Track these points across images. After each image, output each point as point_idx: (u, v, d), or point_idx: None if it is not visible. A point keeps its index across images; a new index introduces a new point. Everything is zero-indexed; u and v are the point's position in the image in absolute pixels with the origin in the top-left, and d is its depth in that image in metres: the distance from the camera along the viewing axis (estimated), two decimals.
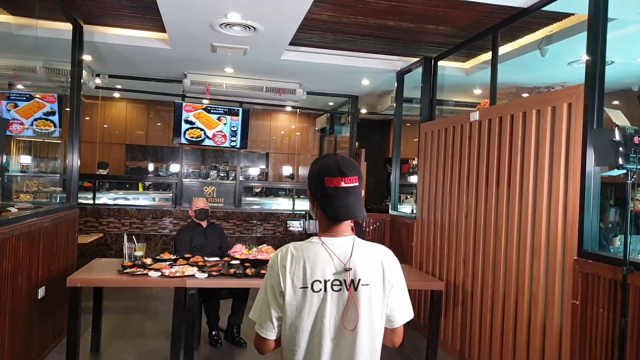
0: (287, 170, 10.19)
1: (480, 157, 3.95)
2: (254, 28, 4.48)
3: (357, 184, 1.48)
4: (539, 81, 6.21)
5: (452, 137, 4.42)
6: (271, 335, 1.49)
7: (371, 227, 5.79)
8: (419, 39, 4.91)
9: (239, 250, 4.09)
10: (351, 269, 1.46)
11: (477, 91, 6.59)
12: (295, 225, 4.58)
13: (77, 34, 4.58)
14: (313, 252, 1.47)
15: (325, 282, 1.44)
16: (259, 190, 9.34)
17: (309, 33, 4.95)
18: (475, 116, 4.04)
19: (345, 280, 1.45)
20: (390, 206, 5.94)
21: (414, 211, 5.39)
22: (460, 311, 4.16)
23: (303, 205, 8.02)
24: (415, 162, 7.10)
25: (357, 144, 9.79)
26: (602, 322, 2.67)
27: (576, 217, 2.88)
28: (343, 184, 1.46)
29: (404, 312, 1.55)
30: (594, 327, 2.74)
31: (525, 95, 6.37)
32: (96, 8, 4.46)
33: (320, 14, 4.35)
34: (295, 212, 6.95)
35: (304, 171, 10.53)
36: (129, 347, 4.16)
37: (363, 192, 1.53)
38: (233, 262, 3.88)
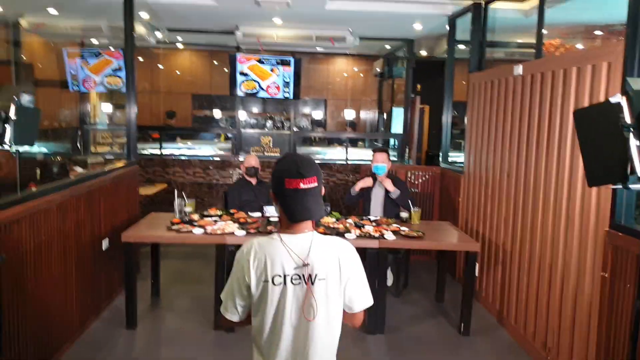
0: (349, 114, 10.09)
1: (522, 115, 3.76)
2: None
3: (315, 184, 1.55)
4: (615, 17, 5.61)
5: (498, 91, 4.22)
6: (234, 318, 1.67)
7: (420, 180, 5.75)
8: None
9: None
10: (309, 264, 1.56)
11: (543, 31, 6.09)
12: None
13: None
14: (273, 248, 1.58)
15: (285, 276, 1.56)
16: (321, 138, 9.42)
17: None
18: (518, 70, 3.81)
19: (304, 275, 1.56)
20: (440, 157, 5.82)
21: None
22: (500, 269, 4.14)
23: (359, 154, 8.02)
24: None
25: (418, 87, 9.50)
26: (629, 298, 2.59)
27: (610, 187, 2.73)
28: (302, 185, 1.53)
29: (362, 301, 1.67)
30: (620, 302, 2.66)
31: (598, 32, 5.83)
32: None
33: None
34: (349, 162, 7.00)
35: (365, 115, 10.44)
36: (184, 292, 4.61)
37: (323, 190, 1.62)
38: (273, 219, 4.09)
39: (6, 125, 2.39)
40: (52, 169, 5.97)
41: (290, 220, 1.59)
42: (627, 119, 1.34)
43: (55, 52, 7.27)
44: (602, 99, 2.82)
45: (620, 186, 1.40)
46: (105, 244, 4.13)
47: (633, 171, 1.35)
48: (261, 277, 1.57)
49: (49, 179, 4.77)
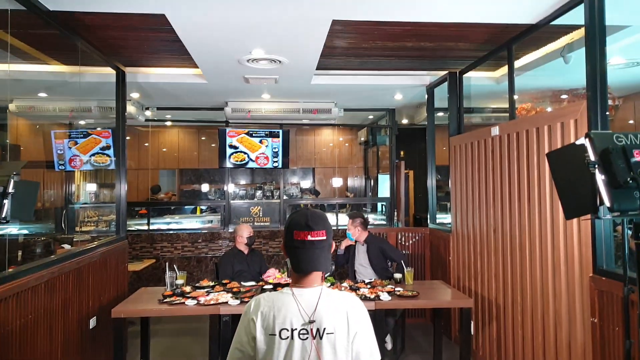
0: (336, 182, 10.29)
1: (503, 172, 3.93)
2: (279, 61, 4.72)
3: (323, 237, 1.62)
4: (576, 83, 6.01)
5: (477, 151, 4.43)
6: None
7: (411, 241, 5.82)
8: (443, 55, 4.94)
9: (272, 275, 4.29)
10: (314, 321, 1.57)
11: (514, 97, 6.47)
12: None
13: (120, 77, 5.04)
14: (282, 302, 1.61)
15: (292, 330, 1.57)
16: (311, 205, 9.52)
17: (334, 59, 5.11)
18: (495, 131, 4.04)
19: (312, 329, 1.57)
20: (428, 219, 5.94)
21: None
22: (495, 325, 4.14)
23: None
24: None
25: (402, 153, 9.83)
26: (619, 342, 2.62)
27: (589, 232, 2.85)
28: (310, 237, 1.59)
29: (369, 356, 1.64)
30: (611, 347, 2.70)
31: (564, 96, 6.20)
32: (135, 54, 4.86)
33: (339, 43, 4.51)
34: (339, 228, 7.07)
35: (352, 182, 10.66)
36: None
37: (334, 245, 1.67)
38: (266, 287, 4.08)
39: (4, 200, 2.43)
40: (35, 249, 5.85)
41: (295, 271, 1.64)
42: (592, 157, 1.50)
43: (41, 133, 7.45)
44: None
45: (593, 216, 1.52)
46: (92, 322, 4.01)
47: (602, 202, 1.48)
48: (267, 331, 1.58)
49: (31, 261, 4.70)
